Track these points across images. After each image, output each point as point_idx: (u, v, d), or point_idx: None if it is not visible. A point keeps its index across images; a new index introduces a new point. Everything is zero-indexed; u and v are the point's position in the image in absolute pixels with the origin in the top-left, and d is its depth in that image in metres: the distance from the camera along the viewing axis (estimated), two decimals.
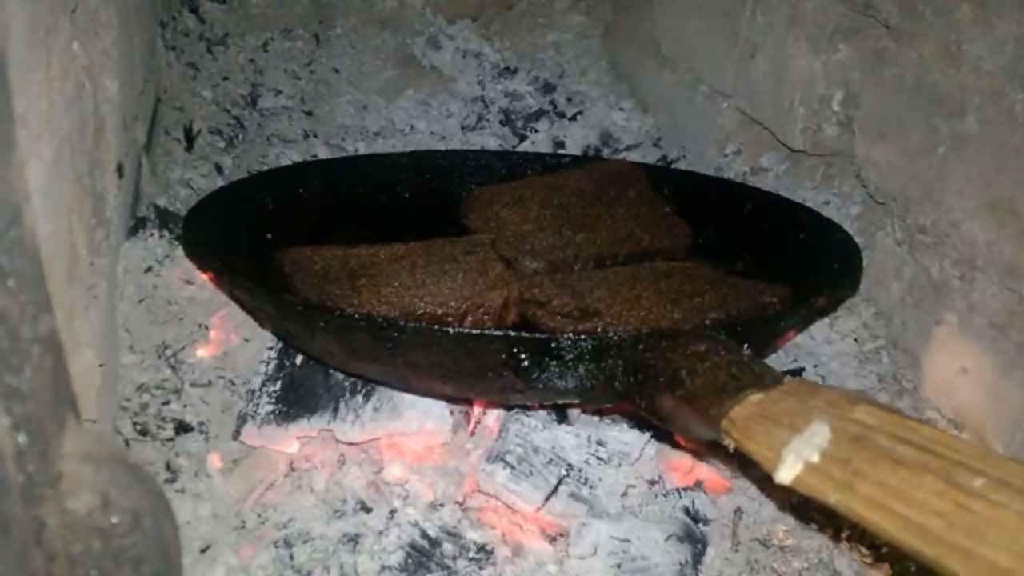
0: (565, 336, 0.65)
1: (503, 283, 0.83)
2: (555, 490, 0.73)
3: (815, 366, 0.96)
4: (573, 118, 1.46)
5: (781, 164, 1.22)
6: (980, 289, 0.85)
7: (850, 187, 1.09)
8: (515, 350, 0.64)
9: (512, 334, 0.65)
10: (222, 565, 0.72)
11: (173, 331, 0.87)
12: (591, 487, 0.73)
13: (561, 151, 1.36)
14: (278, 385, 0.81)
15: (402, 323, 0.69)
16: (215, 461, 0.80)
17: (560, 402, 0.76)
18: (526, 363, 0.65)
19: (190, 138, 1.22)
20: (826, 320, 1.01)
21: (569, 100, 1.50)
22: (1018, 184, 0.80)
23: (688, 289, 0.86)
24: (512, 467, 0.73)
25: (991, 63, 0.82)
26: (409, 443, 0.79)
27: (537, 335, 0.66)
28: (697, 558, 0.71)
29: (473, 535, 0.71)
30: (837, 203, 1.11)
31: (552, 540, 0.74)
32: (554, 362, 0.65)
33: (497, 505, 0.75)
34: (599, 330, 0.77)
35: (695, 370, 0.60)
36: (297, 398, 0.80)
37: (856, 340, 1.00)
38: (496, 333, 0.66)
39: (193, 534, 0.74)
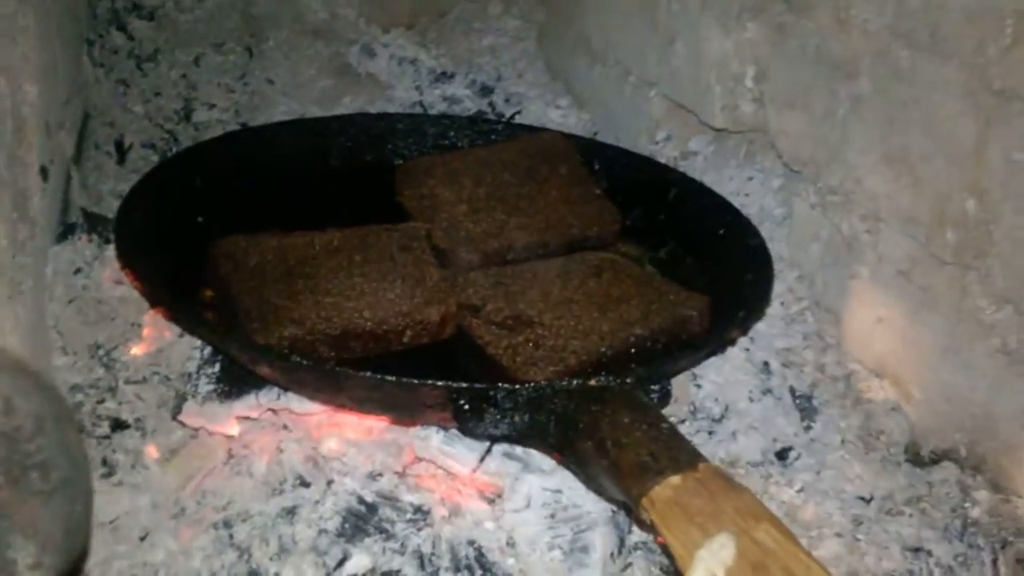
0: (502, 386, 0.70)
1: (440, 296, 0.86)
2: (489, 450, 0.74)
3: None
4: (511, 118, 1.49)
5: (708, 146, 1.26)
6: (885, 240, 0.89)
7: (771, 161, 1.14)
8: (455, 396, 0.70)
9: (452, 385, 0.70)
10: (161, 549, 0.72)
11: (105, 331, 0.88)
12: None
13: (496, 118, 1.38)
14: (217, 367, 0.82)
15: (348, 372, 0.73)
16: (152, 452, 0.80)
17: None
18: (466, 407, 0.70)
19: (122, 152, 1.22)
20: None
21: (507, 101, 1.53)
22: (908, 135, 0.85)
23: (615, 293, 0.90)
24: (445, 430, 0.74)
25: (876, 24, 0.86)
26: (349, 419, 0.80)
27: (475, 385, 0.71)
28: (628, 504, 0.73)
29: (410, 498, 0.72)
30: (760, 178, 1.15)
31: (491, 502, 0.75)
32: (492, 408, 0.70)
33: (436, 472, 0.76)
34: (531, 344, 0.81)
35: (620, 443, 0.65)
36: (239, 377, 0.80)
37: (782, 303, 1.04)
38: (438, 384, 0.70)
39: (132, 523, 0.74)
